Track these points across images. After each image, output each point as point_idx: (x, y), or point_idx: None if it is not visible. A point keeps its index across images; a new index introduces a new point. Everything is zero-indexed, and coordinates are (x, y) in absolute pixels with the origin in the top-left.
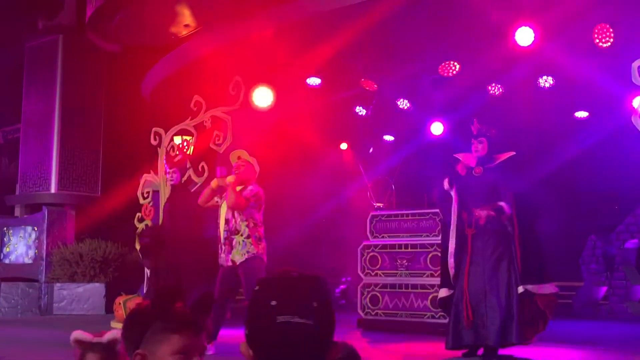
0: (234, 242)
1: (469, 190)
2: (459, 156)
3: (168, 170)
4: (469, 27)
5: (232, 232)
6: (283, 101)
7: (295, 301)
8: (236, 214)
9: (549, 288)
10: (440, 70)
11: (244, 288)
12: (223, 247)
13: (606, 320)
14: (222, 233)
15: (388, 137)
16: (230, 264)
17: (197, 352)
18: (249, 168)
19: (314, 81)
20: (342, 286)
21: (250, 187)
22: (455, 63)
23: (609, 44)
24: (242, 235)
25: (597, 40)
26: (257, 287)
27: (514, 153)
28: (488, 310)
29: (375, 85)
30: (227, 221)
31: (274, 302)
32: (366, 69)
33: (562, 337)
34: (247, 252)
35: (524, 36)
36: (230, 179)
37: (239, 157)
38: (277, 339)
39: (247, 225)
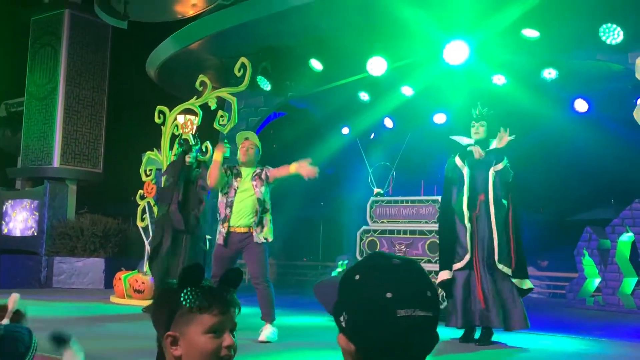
0: (264, 220)
1: (473, 172)
2: (456, 138)
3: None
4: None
5: (265, 210)
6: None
7: (412, 292)
8: (263, 191)
9: (528, 283)
10: None
11: (254, 268)
12: (254, 227)
13: (599, 312)
14: (245, 210)
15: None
16: (262, 240)
17: (228, 328)
18: (256, 153)
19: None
20: (338, 269)
21: (265, 170)
22: None
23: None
24: (271, 213)
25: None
26: (357, 276)
27: (514, 136)
28: (495, 294)
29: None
30: (258, 201)
31: (389, 295)
32: None
33: (555, 327)
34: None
35: None
36: (218, 156)
37: (246, 138)
38: (398, 335)
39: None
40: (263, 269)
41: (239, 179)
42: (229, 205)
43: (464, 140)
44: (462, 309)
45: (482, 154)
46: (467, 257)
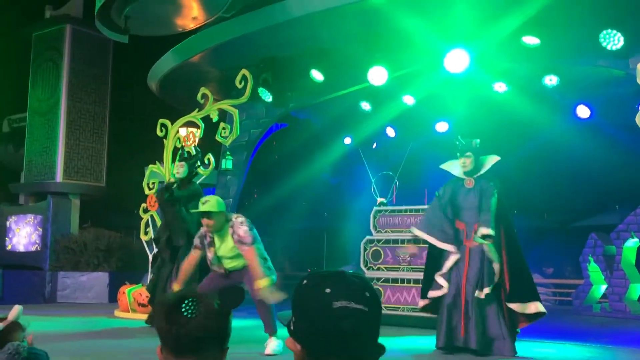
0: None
1: (464, 202)
2: (446, 167)
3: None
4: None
5: None
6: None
7: (349, 289)
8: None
9: (532, 307)
10: None
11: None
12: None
13: (605, 318)
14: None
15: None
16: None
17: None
18: (218, 219)
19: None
20: None
21: (238, 228)
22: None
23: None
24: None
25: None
26: (305, 281)
27: (499, 158)
28: (478, 319)
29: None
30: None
31: (328, 290)
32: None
33: (561, 335)
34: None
35: None
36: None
37: (202, 219)
38: (333, 325)
39: None
40: None
41: (212, 248)
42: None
43: (454, 171)
44: (446, 329)
45: (472, 183)
46: (445, 286)
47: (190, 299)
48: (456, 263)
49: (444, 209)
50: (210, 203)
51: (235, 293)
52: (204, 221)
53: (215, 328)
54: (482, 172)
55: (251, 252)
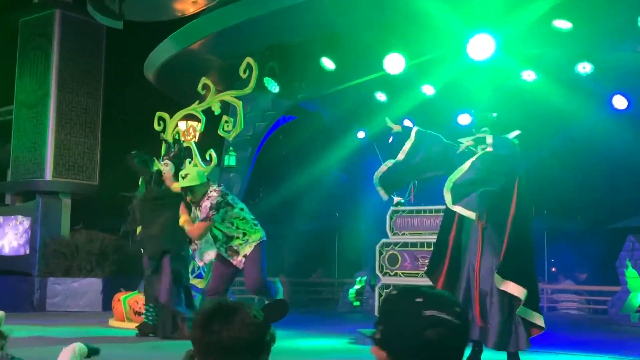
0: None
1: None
2: (465, 141)
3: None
4: None
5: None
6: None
7: (440, 300)
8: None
9: (514, 289)
10: None
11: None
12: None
13: None
14: None
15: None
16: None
17: None
18: (198, 190)
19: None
20: (355, 286)
21: (204, 201)
22: None
23: None
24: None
25: None
26: (394, 291)
27: (519, 132)
28: (492, 309)
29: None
30: None
31: (419, 299)
32: None
33: (596, 347)
34: None
35: None
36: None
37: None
38: (420, 333)
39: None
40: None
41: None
42: None
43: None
44: None
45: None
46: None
47: (226, 308)
48: (468, 247)
49: None
50: (191, 176)
51: (279, 306)
52: (188, 198)
53: (249, 339)
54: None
55: (196, 228)
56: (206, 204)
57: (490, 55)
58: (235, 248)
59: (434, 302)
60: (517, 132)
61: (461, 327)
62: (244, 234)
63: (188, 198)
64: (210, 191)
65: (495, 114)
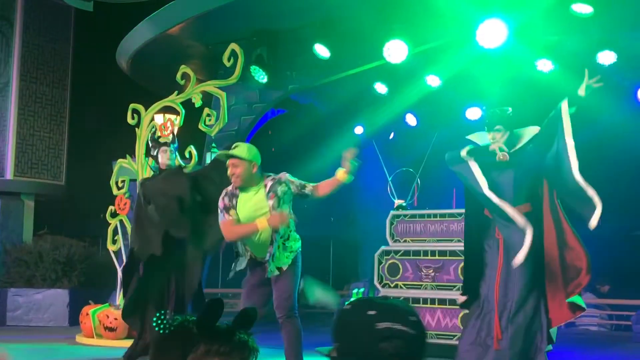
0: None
1: (496, 181)
2: (473, 138)
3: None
4: None
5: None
6: None
7: (394, 311)
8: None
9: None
10: None
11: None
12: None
13: None
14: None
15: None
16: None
17: None
18: (245, 168)
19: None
20: (352, 298)
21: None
22: None
23: None
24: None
25: None
26: (348, 306)
27: (539, 128)
28: (513, 328)
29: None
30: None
31: (372, 312)
32: None
33: None
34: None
35: None
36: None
37: (228, 159)
38: (376, 346)
39: None
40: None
41: (232, 211)
42: None
43: (483, 141)
44: (474, 341)
45: (506, 157)
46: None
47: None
48: (487, 262)
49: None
50: (240, 148)
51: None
52: (230, 163)
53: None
54: (519, 145)
55: (278, 217)
56: (294, 181)
57: (502, 42)
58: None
59: (387, 314)
60: (536, 129)
61: (418, 337)
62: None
63: (231, 163)
64: (283, 175)
65: (510, 109)
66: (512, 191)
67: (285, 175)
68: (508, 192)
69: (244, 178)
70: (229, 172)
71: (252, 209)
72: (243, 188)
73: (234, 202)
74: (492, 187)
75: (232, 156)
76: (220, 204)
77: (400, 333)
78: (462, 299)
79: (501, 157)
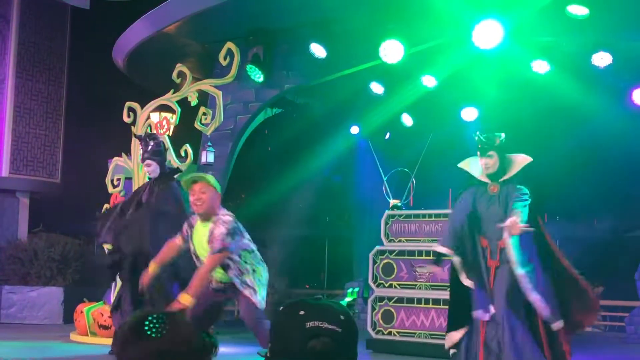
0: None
1: (486, 213)
2: (464, 166)
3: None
4: None
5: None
6: None
7: (323, 311)
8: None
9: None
10: None
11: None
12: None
13: None
14: None
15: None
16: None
17: None
18: (211, 195)
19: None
20: (346, 298)
21: (217, 227)
22: None
23: None
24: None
25: None
26: (282, 307)
27: (530, 159)
28: (504, 351)
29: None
30: None
31: (302, 312)
32: None
33: None
34: None
35: None
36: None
37: (194, 184)
38: (304, 345)
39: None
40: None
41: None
42: None
43: (474, 172)
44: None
45: (497, 188)
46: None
47: (155, 317)
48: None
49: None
50: (209, 176)
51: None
52: (197, 187)
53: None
54: (509, 175)
55: (211, 260)
56: (221, 230)
57: (497, 43)
58: (250, 284)
59: (317, 313)
60: (528, 159)
61: (346, 335)
62: (254, 271)
63: (197, 188)
64: (224, 215)
65: (503, 135)
66: (501, 223)
67: (222, 218)
68: (496, 225)
69: (209, 205)
70: (194, 197)
71: (203, 240)
72: (202, 217)
73: (190, 232)
74: (480, 222)
75: (202, 180)
76: (183, 229)
77: (329, 331)
78: (459, 335)
79: (492, 189)
